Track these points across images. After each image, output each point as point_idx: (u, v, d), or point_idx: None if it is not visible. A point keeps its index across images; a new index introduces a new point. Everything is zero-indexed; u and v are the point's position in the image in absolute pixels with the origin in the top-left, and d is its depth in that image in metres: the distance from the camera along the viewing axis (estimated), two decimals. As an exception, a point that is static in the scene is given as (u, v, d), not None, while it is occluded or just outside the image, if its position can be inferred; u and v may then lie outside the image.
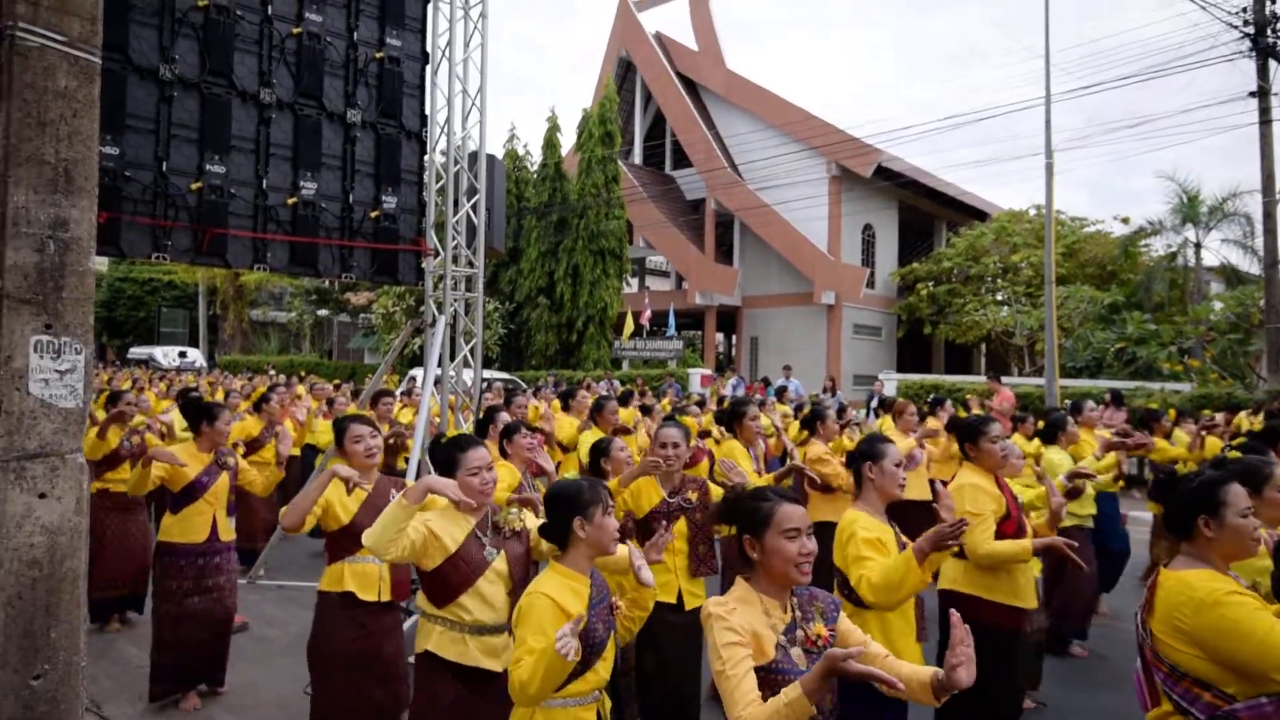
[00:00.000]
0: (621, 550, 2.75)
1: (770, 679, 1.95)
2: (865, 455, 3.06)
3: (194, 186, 4.81)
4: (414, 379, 13.84)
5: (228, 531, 4.74)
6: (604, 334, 23.49)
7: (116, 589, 5.82)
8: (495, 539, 2.89)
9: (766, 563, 2.09)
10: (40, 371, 2.69)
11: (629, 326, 23.00)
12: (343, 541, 3.57)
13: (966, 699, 3.28)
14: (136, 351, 31.46)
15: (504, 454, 4.20)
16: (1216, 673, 2.13)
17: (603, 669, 2.38)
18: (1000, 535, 3.58)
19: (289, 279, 33.85)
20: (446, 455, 2.92)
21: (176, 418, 7.25)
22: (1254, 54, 12.15)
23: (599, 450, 4.07)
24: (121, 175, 4.55)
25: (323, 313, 34.57)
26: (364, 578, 3.57)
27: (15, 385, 2.62)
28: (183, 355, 30.40)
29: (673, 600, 3.69)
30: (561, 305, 23.38)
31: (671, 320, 23.96)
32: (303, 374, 19.39)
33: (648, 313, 23.50)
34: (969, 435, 3.78)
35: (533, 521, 3.04)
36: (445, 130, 6.11)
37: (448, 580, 2.79)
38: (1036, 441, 6.46)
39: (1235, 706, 2.11)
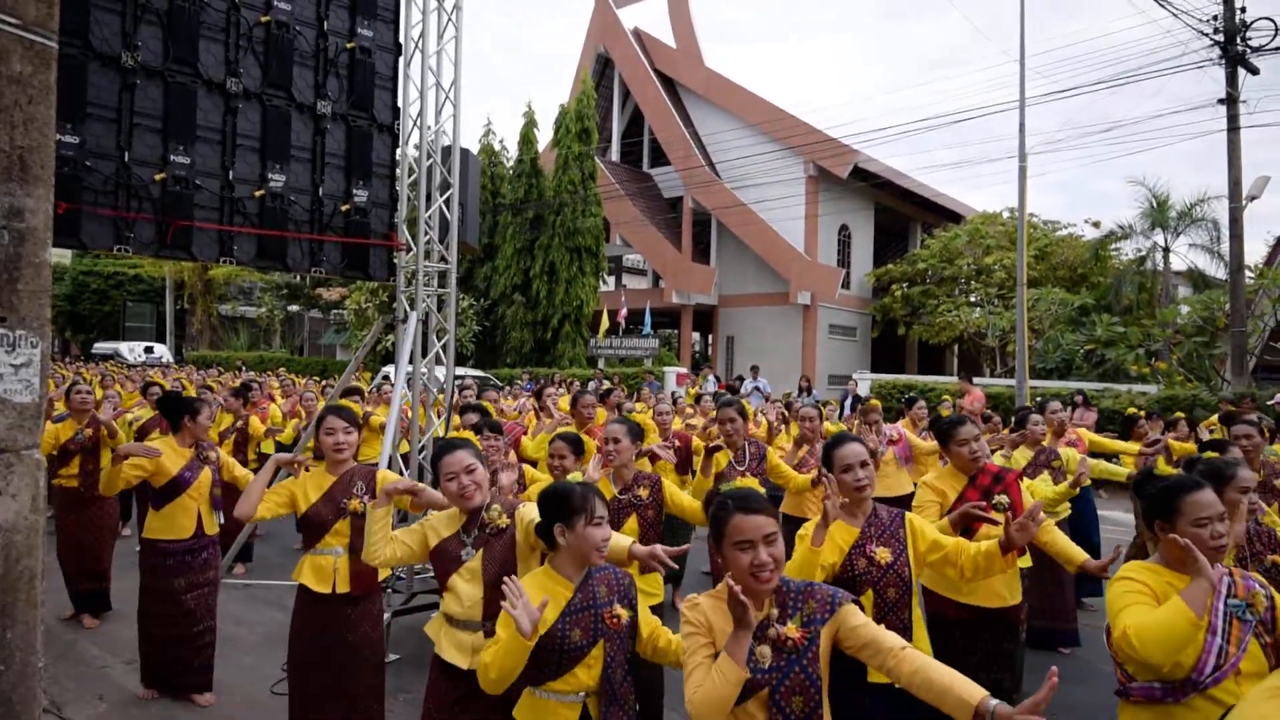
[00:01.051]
0: (620, 542, 2.84)
1: None
2: (824, 463, 3.13)
3: (158, 177, 4.70)
4: (386, 377, 13.70)
5: (212, 526, 4.69)
6: (580, 332, 23.42)
7: (80, 583, 5.78)
8: (479, 537, 2.86)
9: (729, 569, 2.11)
10: (-7, 365, 2.60)
11: (604, 324, 22.95)
12: (305, 531, 3.62)
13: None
14: (101, 347, 30.84)
15: None
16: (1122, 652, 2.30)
17: (583, 674, 2.34)
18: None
19: (259, 274, 33.39)
20: (434, 463, 3.00)
21: (122, 421, 7.11)
22: (1224, 61, 12.37)
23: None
24: (82, 165, 4.43)
25: (293, 308, 34.11)
26: (319, 570, 3.56)
27: (-34, 379, 2.53)
28: (149, 350, 29.86)
29: None
30: (537, 303, 23.27)
31: (648, 318, 23.94)
32: (278, 370, 19.11)
33: (624, 311, 23.45)
34: (940, 437, 3.91)
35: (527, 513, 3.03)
36: (418, 123, 6.03)
37: (436, 572, 2.93)
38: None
39: (1131, 686, 2.30)
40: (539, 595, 2.32)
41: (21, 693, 2.66)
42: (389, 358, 19.49)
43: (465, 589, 2.80)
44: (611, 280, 31.46)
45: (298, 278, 31.86)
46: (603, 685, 2.36)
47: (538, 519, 2.52)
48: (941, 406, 10.35)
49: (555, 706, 2.35)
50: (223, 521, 4.79)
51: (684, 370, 21.60)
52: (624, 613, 2.43)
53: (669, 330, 30.61)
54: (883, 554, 2.87)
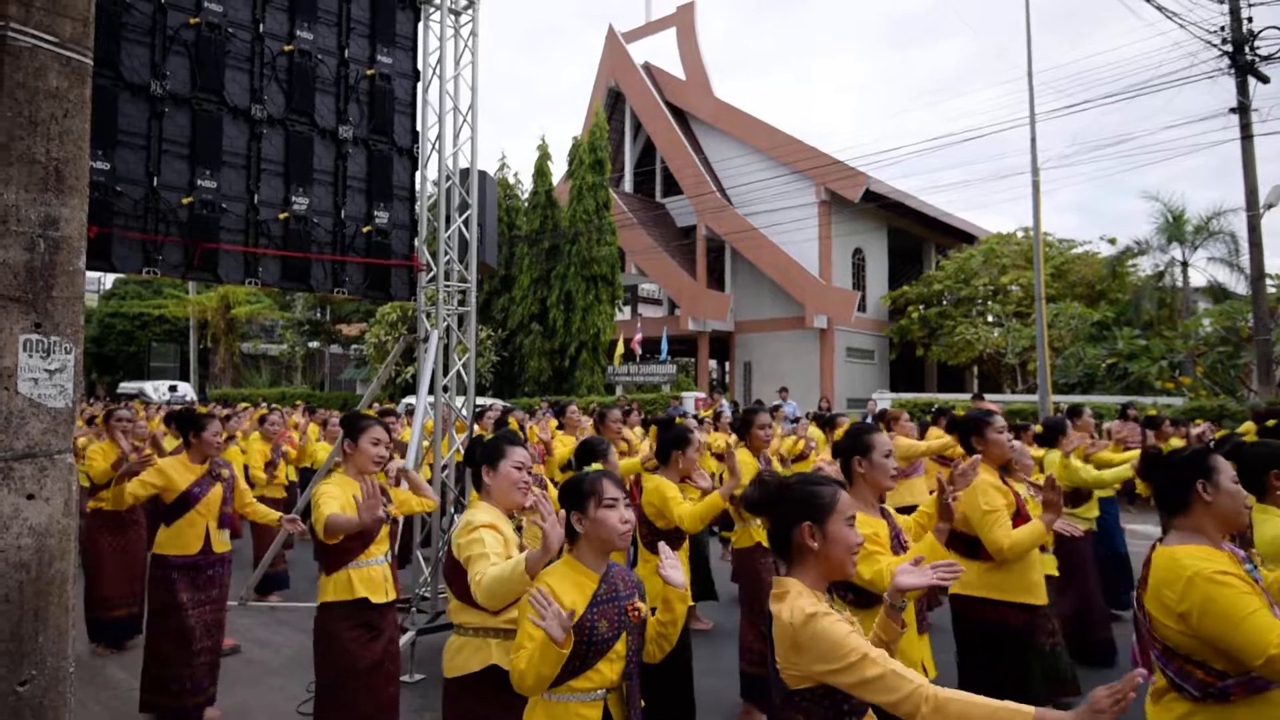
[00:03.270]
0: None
1: None
2: (853, 449, 3.01)
3: (185, 201, 4.82)
4: (408, 406, 13.78)
5: (221, 544, 4.70)
6: (597, 360, 23.47)
7: (119, 609, 5.81)
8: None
9: (827, 552, 1.98)
10: (29, 371, 2.65)
11: (619, 350, 23.02)
12: (350, 544, 3.52)
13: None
14: (127, 386, 31.23)
15: None
16: (1206, 650, 2.10)
17: (606, 669, 2.27)
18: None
19: (280, 312, 33.83)
20: (493, 445, 2.96)
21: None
22: (1233, 71, 12.38)
23: (592, 453, 4.01)
24: (112, 190, 4.56)
25: (314, 344, 34.45)
26: (372, 582, 3.56)
27: (4, 384, 2.59)
28: (173, 389, 30.18)
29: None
30: (554, 331, 23.38)
31: (664, 345, 23.97)
32: (299, 404, 19.27)
33: (639, 337, 23.51)
34: (975, 429, 3.73)
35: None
36: (436, 147, 6.14)
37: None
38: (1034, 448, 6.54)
39: (1228, 683, 2.08)
40: (567, 587, 2.28)
41: (53, 697, 2.68)
42: (409, 389, 19.62)
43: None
44: (628, 310, 31.60)
45: (318, 314, 32.26)
46: (624, 680, 2.29)
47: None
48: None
49: (576, 708, 2.25)
50: (235, 537, 4.86)
51: (702, 395, 21.56)
52: (643, 606, 2.37)
53: (687, 359, 30.61)
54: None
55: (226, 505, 4.75)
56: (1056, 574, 4.75)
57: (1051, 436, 5.58)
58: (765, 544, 4.72)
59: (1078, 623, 5.36)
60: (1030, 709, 1.61)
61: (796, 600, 1.89)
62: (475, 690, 2.75)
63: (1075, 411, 6.50)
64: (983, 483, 3.59)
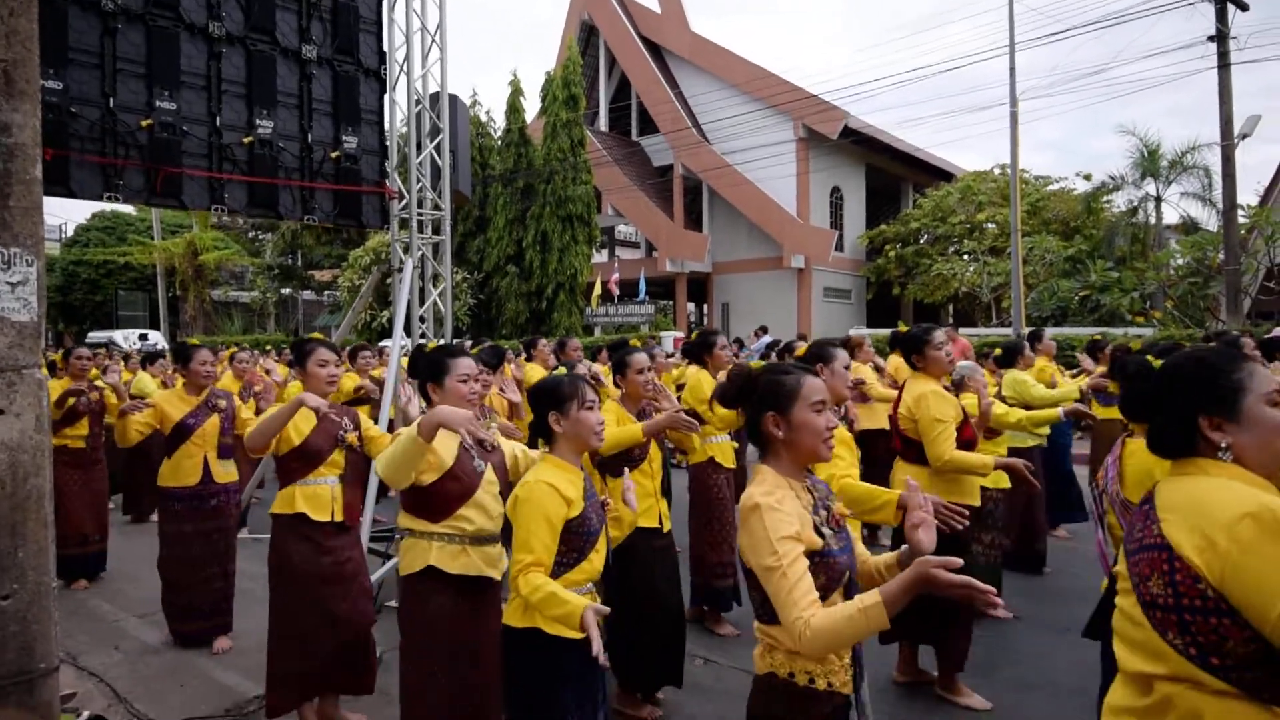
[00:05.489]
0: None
1: (824, 564, 1.83)
2: (817, 358, 3.19)
3: (144, 123, 4.64)
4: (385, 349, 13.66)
5: (223, 474, 4.72)
6: (575, 301, 23.35)
7: (83, 546, 5.79)
8: (480, 452, 2.93)
9: (794, 439, 1.94)
10: (-11, 284, 2.58)
11: (597, 292, 22.91)
12: (294, 464, 3.48)
13: (923, 609, 3.30)
14: (95, 335, 30.66)
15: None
16: None
17: (596, 560, 2.42)
18: (958, 442, 3.67)
19: (249, 258, 33.20)
20: (434, 360, 2.90)
21: (141, 381, 7.24)
22: (1212, -2, 12.29)
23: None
24: (67, 111, 4.37)
25: (286, 291, 33.94)
26: (316, 499, 3.47)
27: (-37, 297, 2.52)
28: (143, 338, 29.68)
29: (655, 525, 3.75)
30: (531, 273, 23.17)
31: (643, 286, 23.88)
32: (267, 348, 19.07)
33: (615, 277, 23.37)
34: (915, 345, 3.79)
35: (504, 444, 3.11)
36: (404, 69, 5.96)
37: (448, 494, 2.82)
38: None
39: None
40: (563, 484, 2.35)
41: (36, 611, 2.67)
42: (385, 333, 19.46)
43: (490, 501, 2.88)
44: (605, 253, 31.35)
45: (289, 260, 31.71)
46: (604, 572, 2.44)
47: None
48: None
49: None
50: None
51: (681, 335, 21.61)
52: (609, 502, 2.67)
53: (665, 301, 30.56)
54: None
55: (225, 435, 4.76)
56: (1008, 486, 4.89)
57: (1009, 358, 5.86)
58: (717, 459, 4.75)
59: (1019, 534, 5.60)
60: (876, 592, 1.65)
61: (758, 487, 1.90)
62: (425, 584, 2.84)
63: (1036, 336, 6.68)
64: (936, 391, 3.69)
